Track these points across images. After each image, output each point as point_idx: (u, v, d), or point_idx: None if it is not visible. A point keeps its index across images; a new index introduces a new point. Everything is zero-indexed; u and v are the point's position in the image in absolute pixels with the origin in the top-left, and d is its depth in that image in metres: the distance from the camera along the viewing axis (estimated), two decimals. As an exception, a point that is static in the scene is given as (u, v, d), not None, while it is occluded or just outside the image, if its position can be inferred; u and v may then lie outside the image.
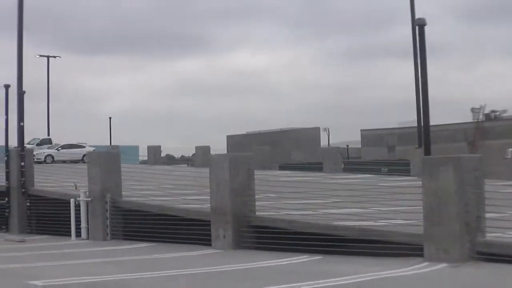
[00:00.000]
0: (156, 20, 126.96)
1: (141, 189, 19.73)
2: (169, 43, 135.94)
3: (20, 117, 21.59)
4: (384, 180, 23.84)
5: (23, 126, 21.62)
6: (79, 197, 17.94)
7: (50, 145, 50.96)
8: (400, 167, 33.26)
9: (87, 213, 17.76)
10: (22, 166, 21.28)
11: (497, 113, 56.33)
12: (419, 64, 12.13)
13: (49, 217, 19.90)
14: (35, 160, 30.81)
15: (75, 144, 51.04)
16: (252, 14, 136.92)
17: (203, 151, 44.05)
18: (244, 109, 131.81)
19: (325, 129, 71.23)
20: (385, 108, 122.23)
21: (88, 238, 17.61)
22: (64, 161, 46.66)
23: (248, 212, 13.88)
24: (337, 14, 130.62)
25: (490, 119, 55.39)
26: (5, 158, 21.65)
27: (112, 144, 55.78)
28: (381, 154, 55.54)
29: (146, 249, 14.81)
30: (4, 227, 21.37)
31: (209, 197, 15.79)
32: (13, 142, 22.15)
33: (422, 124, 33.99)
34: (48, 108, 60.90)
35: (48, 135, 57.84)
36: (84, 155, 51.05)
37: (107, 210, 17.26)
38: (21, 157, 21.43)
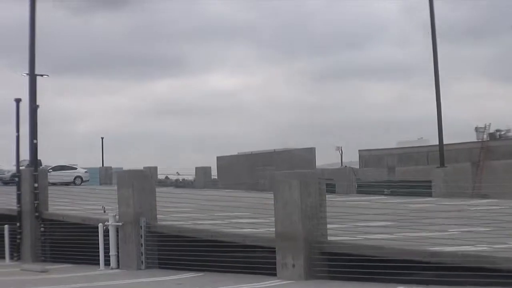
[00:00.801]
0: (129, 42, 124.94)
1: (169, 211, 17.86)
2: (143, 64, 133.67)
3: (33, 134, 19.68)
4: (443, 202, 22.28)
5: (36, 143, 19.72)
6: (107, 221, 16.12)
7: (40, 167, 48.69)
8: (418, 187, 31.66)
9: (117, 239, 15.94)
10: (35, 188, 19.36)
11: (502, 132, 55.36)
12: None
13: (68, 244, 18.00)
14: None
15: (67, 166, 48.98)
16: (226, 35, 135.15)
17: (204, 171, 42.40)
18: (219, 131, 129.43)
19: (337, 148, 69.82)
20: (375, 128, 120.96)
21: (118, 267, 15.75)
22: (54, 183, 44.51)
23: (320, 237, 12.20)
24: (310, 35, 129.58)
25: (495, 139, 54.43)
26: (17, 179, 19.72)
27: (104, 165, 53.60)
28: (380, 175, 53.93)
29: (199, 280, 12.99)
30: (15, 255, 19.30)
31: (262, 220, 14.23)
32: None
33: (442, 143, 33.06)
34: (36, 128, 58.30)
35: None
36: (75, 177, 49.06)
37: (141, 236, 15.45)
38: (34, 177, 19.52)
